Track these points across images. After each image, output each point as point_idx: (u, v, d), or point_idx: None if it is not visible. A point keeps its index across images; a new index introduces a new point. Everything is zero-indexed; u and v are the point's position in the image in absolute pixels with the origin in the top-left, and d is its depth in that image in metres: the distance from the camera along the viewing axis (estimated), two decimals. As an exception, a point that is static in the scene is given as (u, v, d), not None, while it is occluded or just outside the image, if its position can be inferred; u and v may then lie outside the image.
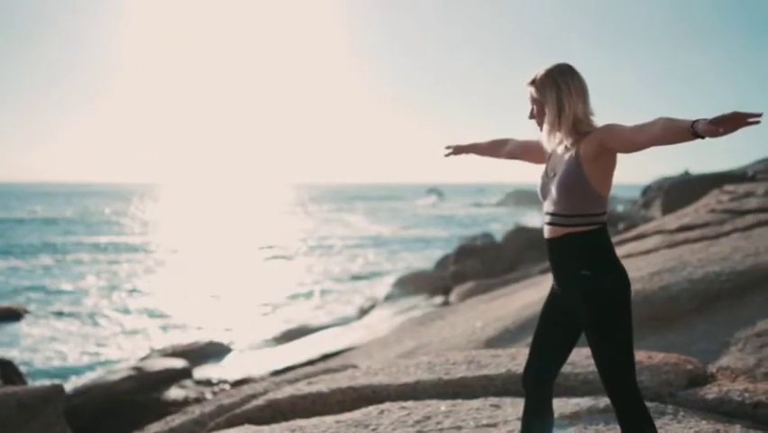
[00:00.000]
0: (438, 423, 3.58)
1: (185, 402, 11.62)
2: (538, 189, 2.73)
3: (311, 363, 14.00)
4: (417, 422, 3.60)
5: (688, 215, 11.59)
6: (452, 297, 18.46)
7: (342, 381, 4.40)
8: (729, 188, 13.09)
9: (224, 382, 12.94)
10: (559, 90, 2.56)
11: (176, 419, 4.81)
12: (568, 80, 2.57)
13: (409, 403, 3.92)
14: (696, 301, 7.04)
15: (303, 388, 4.39)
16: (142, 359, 15.03)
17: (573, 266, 2.57)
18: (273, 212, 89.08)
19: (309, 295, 26.32)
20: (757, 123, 2.04)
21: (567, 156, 2.57)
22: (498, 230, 35.46)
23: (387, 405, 3.90)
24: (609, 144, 2.48)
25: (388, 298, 21.80)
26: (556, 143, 2.63)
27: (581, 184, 2.53)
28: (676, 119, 2.22)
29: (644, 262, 8.42)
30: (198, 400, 11.77)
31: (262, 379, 8.24)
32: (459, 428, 3.49)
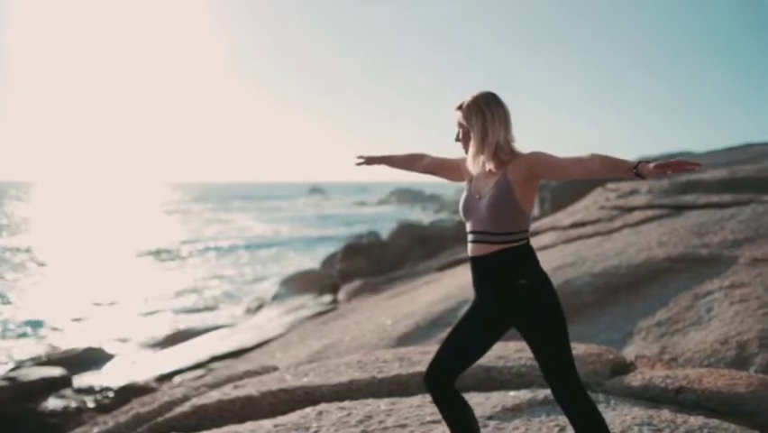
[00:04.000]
0: (381, 422, 3.45)
1: (65, 412, 10.91)
2: (460, 209, 2.83)
3: (199, 366, 13.51)
4: (360, 422, 3.46)
5: (578, 212, 12.05)
6: (341, 295, 18.44)
7: (270, 383, 4.17)
8: (612, 186, 13.74)
9: (108, 389, 12.25)
10: (484, 118, 2.70)
11: (87, 432, 4.39)
12: (492, 108, 2.72)
13: (347, 403, 3.77)
14: (598, 294, 7.32)
15: (230, 392, 4.12)
16: (14, 369, 13.93)
17: (507, 278, 2.66)
18: (153, 212, 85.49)
19: (194, 297, 25.41)
20: (694, 170, 2.27)
21: (494, 180, 2.71)
22: (383, 228, 35.71)
23: (324, 406, 3.73)
24: (539, 171, 2.64)
25: (276, 297, 21.48)
26: (480, 167, 2.76)
27: (512, 205, 2.66)
28: (614, 158, 2.44)
29: (544, 258, 8.65)
30: (81, 410, 11.05)
31: (177, 385, 7.77)
32: (403, 426, 3.38)
